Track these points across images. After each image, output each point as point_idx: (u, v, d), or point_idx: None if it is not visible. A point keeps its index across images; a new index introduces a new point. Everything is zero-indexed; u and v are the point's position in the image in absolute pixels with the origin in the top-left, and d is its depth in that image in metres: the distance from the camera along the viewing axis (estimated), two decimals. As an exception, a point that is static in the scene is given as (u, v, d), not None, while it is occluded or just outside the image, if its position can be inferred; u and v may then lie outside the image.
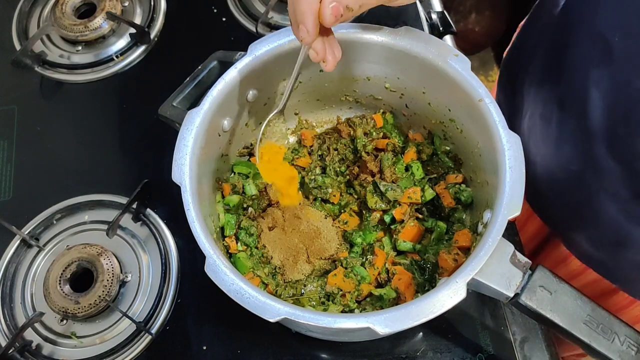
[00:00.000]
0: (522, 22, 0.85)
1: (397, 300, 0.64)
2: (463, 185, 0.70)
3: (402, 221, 0.70)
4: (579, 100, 0.63)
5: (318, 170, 0.76)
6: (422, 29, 0.88)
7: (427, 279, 0.66)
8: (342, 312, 0.65)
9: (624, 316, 0.56)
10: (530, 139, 0.75)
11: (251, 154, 0.77)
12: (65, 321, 0.73)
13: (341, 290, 0.66)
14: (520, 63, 0.79)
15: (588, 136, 0.64)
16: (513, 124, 0.80)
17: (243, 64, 0.64)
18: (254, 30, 0.92)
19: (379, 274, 0.67)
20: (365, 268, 0.67)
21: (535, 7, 0.79)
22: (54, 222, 0.80)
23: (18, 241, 0.78)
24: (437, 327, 0.70)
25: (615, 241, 0.70)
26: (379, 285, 0.67)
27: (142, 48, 0.94)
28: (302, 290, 0.68)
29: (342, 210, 0.74)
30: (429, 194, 0.70)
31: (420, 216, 0.70)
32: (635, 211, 0.65)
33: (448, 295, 0.50)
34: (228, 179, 0.73)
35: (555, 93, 0.68)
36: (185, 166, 0.59)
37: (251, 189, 0.73)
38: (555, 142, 0.70)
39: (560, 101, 0.68)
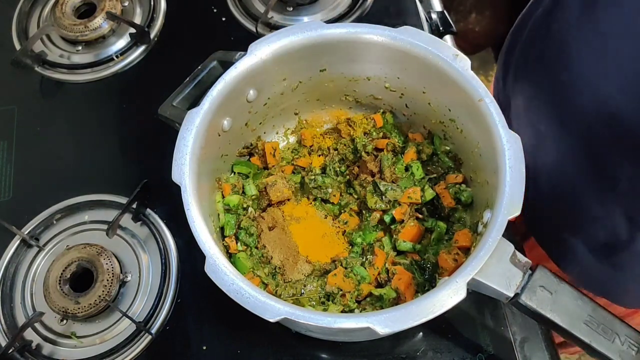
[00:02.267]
0: (521, 13, 0.85)
1: (397, 300, 0.64)
2: (463, 186, 0.70)
3: (402, 221, 0.70)
4: (561, 61, 0.64)
5: (318, 170, 0.76)
6: (422, 29, 0.88)
7: (427, 279, 0.66)
8: (342, 312, 0.65)
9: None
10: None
11: (251, 154, 0.77)
12: (65, 321, 0.73)
13: (341, 290, 0.66)
14: (516, 49, 0.79)
15: (560, 108, 0.65)
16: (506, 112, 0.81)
17: (243, 64, 0.64)
18: (254, 30, 0.92)
19: (379, 274, 0.67)
20: (365, 268, 0.67)
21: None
22: (54, 222, 0.80)
23: (18, 241, 0.78)
24: (437, 327, 0.70)
25: (574, 215, 0.71)
26: (379, 285, 0.67)
27: (142, 48, 0.94)
28: (302, 291, 0.68)
29: (342, 210, 0.74)
30: (429, 194, 0.70)
31: (420, 216, 0.70)
32: (595, 190, 0.65)
33: (448, 295, 0.50)
34: (228, 179, 0.73)
35: (544, 60, 0.69)
36: (185, 166, 0.59)
37: (251, 189, 0.73)
38: (536, 119, 0.70)
39: (544, 75, 0.69)
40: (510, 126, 0.58)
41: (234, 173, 0.75)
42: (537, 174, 0.73)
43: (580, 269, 0.77)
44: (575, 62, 0.62)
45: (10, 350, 0.69)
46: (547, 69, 0.68)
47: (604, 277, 0.74)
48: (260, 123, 0.75)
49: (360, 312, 0.65)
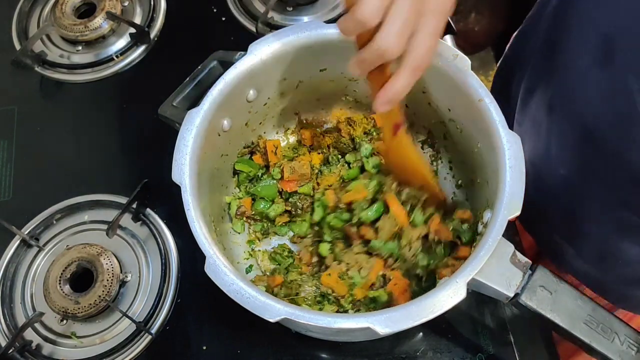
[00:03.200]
0: (515, 32, 0.84)
1: (389, 305, 0.64)
2: (466, 225, 0.66)
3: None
4: (572, 100, 0.63)
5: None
6: (422, 29, 0.88)
7: (424, 288, 0.64)
8: (337, 312, 0.65)
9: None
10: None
11: (253, 152, 0.77)
12: (65, 321, 0.73)
13: (334, 292, 0.66)
14: (514, 71, 0.79)
15: (579, 137, 0.63)
16: None
17: (243, 64, 0.64)
18: (254, 30, 0.92)
19: (372, 284, 0.66)
20: (359, 274, 0.66)
21: (530, 15, 0.79)
22: (54, 222, 0.79)
23: (18, 241, 0.78)
24: (437, 327, 0.70)
25: (602, 253, 0.70)
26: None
27: (142, 48, 0.94)
28: (297, 291, 0.68)
29: None
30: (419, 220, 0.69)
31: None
32: (622, 220, 0.64)
33: (448, 295, 0.50)
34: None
35: (547, 95, 0.68)
36: (185, 166, 0.59)
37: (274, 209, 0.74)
38: (545, 146, 0.69)
39: (552, 102, 0.67)
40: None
41: (238, 174, 0.75)
42: (543, 184, 0.72)
43: (578, 274, 0.77)
44: (589, 108, 0.60)
45: (10, 350, 0.69)
46: (559, 103, 0.66)
47: (604, 282, 0.74)
48: (260, 123, 0.75)
49: (355, 312, 0.65)
